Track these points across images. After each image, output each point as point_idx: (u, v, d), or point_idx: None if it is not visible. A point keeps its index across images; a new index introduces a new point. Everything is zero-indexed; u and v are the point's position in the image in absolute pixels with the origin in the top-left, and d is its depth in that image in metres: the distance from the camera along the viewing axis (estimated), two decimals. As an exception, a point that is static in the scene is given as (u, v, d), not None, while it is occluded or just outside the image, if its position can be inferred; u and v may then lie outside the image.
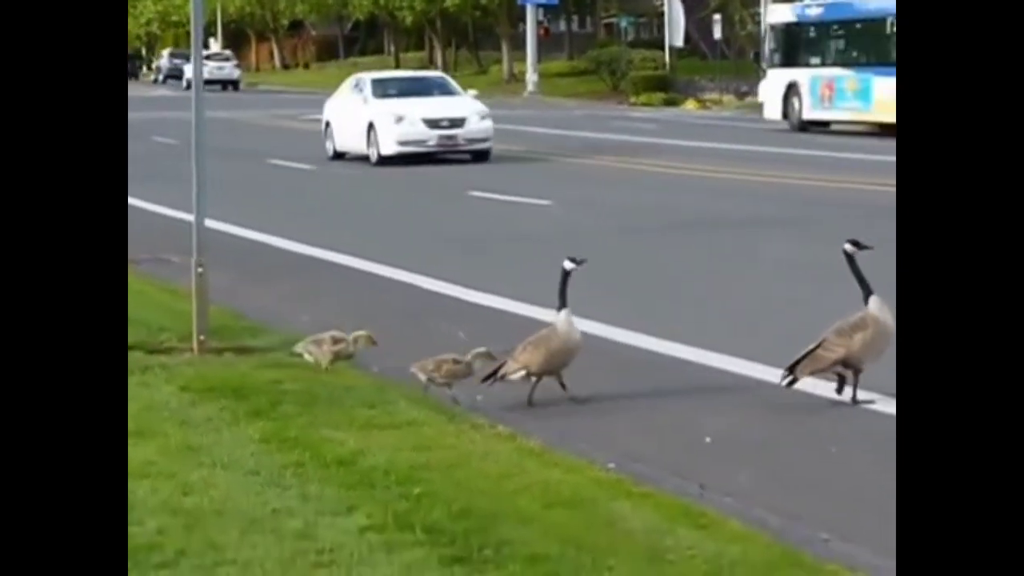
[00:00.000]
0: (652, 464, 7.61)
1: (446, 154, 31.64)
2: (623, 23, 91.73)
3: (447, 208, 22.68)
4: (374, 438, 7.85)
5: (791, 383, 9.03)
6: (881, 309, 9.00)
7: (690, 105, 62.09)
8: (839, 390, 9.07)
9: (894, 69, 41.27)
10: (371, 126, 31.93)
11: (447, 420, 8.32)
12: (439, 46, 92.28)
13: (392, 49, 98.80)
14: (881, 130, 41.11)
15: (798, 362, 8.99)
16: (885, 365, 8.25)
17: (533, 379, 9.19)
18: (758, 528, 6.39)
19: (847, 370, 9.06)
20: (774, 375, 9.42)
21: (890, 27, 42.34)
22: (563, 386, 9.20)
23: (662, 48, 75.29)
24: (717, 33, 66.73)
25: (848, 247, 9.18)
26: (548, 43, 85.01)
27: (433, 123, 31.69)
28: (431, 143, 31.56)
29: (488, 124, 32.50)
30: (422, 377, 8.97)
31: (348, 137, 33.30)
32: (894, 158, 27.63)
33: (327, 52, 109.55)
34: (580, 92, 74.69)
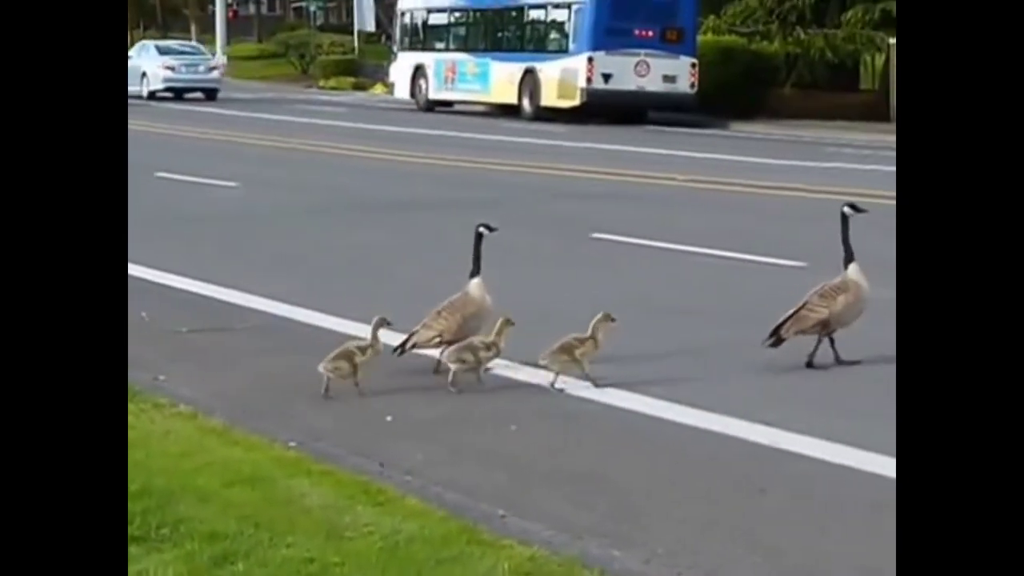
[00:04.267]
0: (333, 442, 7.56)
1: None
2: (312, 7, 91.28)
3: (134, 189, 22.20)
4: (53, 418, 7.65)
5: (775, 344, 9.18)
6: (859, 274, 9.31)
7: (378, 89, 62.18)
8: (836, 358, 9.29)
9: (509, 55, 45.17)
10: None
11: (128, 400, 8.15)
12: (127, 27, 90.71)
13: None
14: (498, 110, 45.36)
15: (782, 324, 9.16)
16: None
17: (444, 346, 8.98)
18: (436, 505, 6.38)
19: (824, 331, 9.27)
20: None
21: (505, 17, 45.47)
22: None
23: (351, 33, 75.31)
24: (406, 19, 67.09)
25: (847, 210, 9.50)
26: (236, 26, 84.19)
27: None
28: None
29: None
30: None
31: None
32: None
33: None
34: (269, 75, 74.25)
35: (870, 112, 46.72)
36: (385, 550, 5.69)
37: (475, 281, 9.22)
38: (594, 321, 8.79)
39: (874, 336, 9.37)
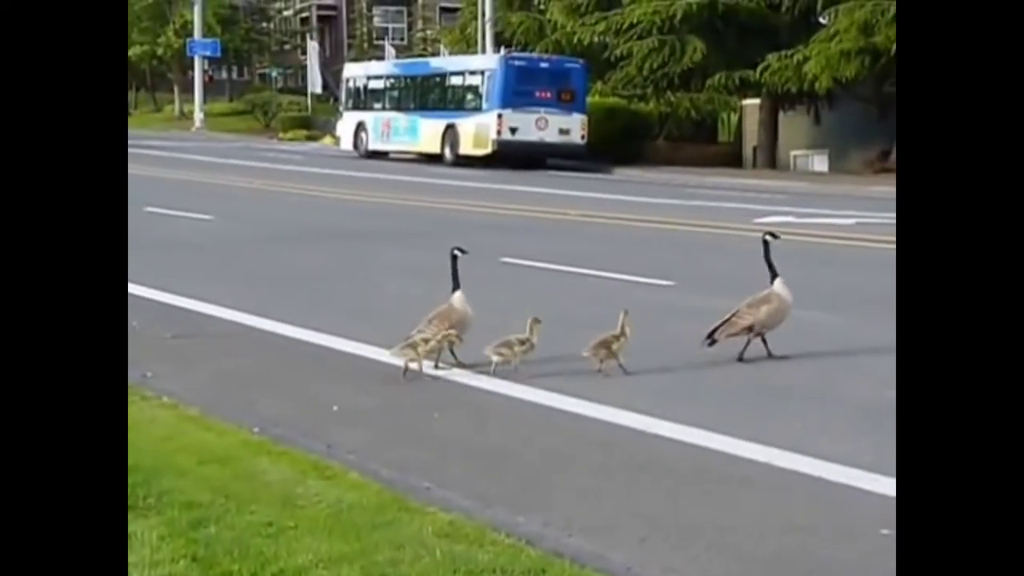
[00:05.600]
0: (289, 428, 7.49)
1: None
2: (273, 73, 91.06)
3: (129, 220, 21.97)
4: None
5: (711, 344, 9.26)
6: (783, 288, 9.42)
7: (328, 140, 61.93)
8: (769, 353, 9.39)
9: (434, 113, 45.16)
10: None
11: (121, 393, 8.03)
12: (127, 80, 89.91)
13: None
14: (425, 158, 45.08)
15: (716, 328, 9.25)
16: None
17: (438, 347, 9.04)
18: (373, 478, 6.33)
19: (754, 334, 9.34)
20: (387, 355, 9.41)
21: (430, 82, 46.72)
22: (453, 354, 9.13)
23: (305, 94, 75.04)
24: (350, 83, 67.04)
25: (767, 237, 9.58)
26: (212, 88, 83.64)
27: None
28: None
29: None
30: None
31: None
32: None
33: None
34: (239, 128, 73.75)
35: (726, 160, 47.08)
36: (331, 516, 5.63)
37: (457, 294, 9.23)
38: (621, 319, 8.90)
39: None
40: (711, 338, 9.33)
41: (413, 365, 8.80)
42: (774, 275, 9.53)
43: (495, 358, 8.83)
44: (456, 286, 9.25)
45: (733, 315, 9.38)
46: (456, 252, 9.31)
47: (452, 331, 8.90)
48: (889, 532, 5.59)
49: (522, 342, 8.80)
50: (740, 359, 9.36)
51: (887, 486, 6.22)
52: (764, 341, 9.43)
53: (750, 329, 9.38)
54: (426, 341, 8.78)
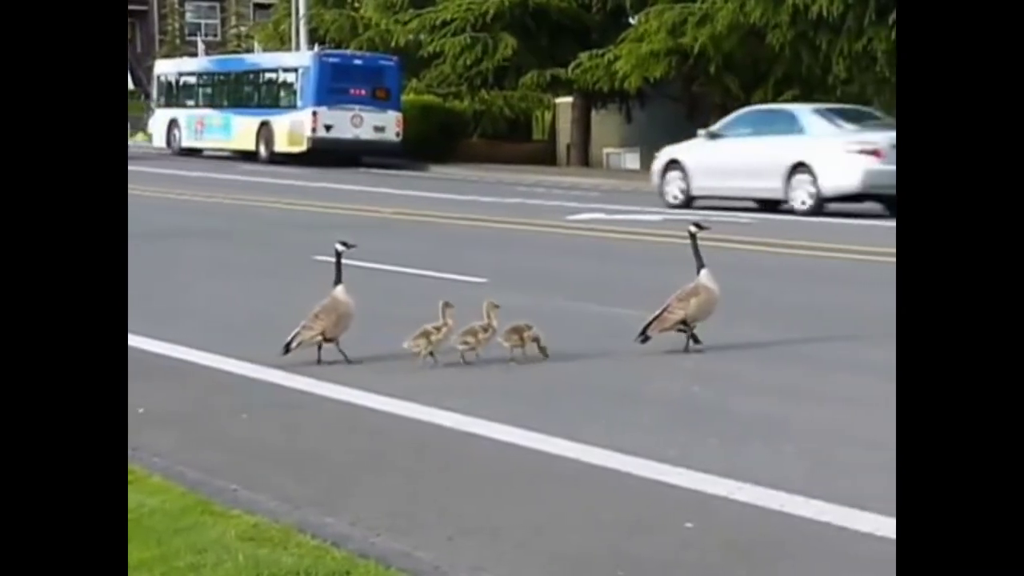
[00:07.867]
0: (93, 431, 7.28)
1: None
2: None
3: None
4: None
5: (644, 341, 9.35)
6: (709, 279, 9.45)
7: (139, 137, 60.93)
8: (686, 348, 9.50)
9: (248, 110, 45.15)
10: None
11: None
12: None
13: None
14: (239, 155, 44.96)
15: (648, 324, 9.33)
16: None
17: (322, 343, 9.05)
18: (178, 482, 6.19)
19: (686, 327, 9.42)
20: (198, 357, 9.24)
21: (244, 79, 46.58)
22: (343, 353, 9.10)
23: (116, 90, 73.51)
24: (161, 79, 66.00)
25: (692, 228, 9.62)
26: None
27: None
28: None
29: None
30: None
31: None
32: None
33: None
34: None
35: (541, 158, 47.43)
36: (131, 521, 5.44)
37: (340, 287, 9.25)
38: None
39: (569, 340, 9.43)
40: (644, 335, 9.40)
41: (420, 352, 8.89)
42: (701, 265, 9.61)
43: (460, 346, 8.92)
44: (338, 279, 9.23)
45: (664, 310, 9.47)
46: (339, 247, 9.28)
47: (450, 324, 8.94)
48: (692, 525, 5.64)
49: (484, 328, 8.92)
50: (687, 350, 9.53)
51: (692, 480, 6.28)
52: (693, 334, 9.55)
53: (683, 323, 9.48)
54: (438, 330, 8.86)
